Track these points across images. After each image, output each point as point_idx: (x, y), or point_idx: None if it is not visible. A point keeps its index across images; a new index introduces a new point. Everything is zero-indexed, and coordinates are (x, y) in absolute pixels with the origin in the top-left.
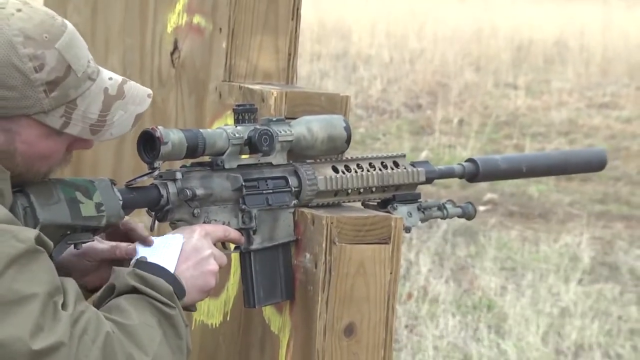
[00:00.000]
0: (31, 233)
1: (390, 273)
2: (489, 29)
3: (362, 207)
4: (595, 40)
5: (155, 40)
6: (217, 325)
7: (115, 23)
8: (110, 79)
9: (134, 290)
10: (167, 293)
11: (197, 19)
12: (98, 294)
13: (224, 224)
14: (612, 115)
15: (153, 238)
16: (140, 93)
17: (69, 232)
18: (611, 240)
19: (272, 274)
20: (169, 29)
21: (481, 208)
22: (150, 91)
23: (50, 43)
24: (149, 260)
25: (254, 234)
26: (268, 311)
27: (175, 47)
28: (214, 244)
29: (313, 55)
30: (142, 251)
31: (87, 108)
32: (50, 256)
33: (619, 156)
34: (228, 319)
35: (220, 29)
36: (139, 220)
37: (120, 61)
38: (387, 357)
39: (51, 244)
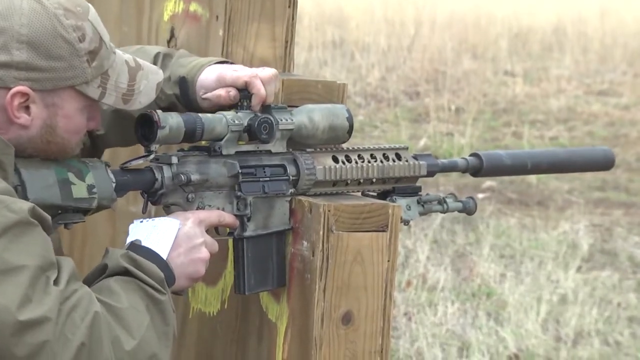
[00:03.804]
0: (25, 205)
1: (388, 261)
2: (487, 16)
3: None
4: (593, 27)
5: (151, 28)
6: (215, 313)
7: (112, 12)
8: (124, 53)
9: (125, 272)
10: (158, 279)
11: (193, 7)
12: (89, 272)
13: (218, 209)
14: (610, 103)
15: (147, 220)
16: (152, 65)
17: (59, 212)
18: (610, 228)
19: (264, 261)
20: (166, 17)
21: (480, 196)
22: (157, 66)
23: (84, 15)
24: (142, 243)
25: (248, 221)
26: (265, 299)
27: (172, 35)
28: (207, 230)
29: (311, 43)
30: (136, 233)
31: (118, 78)
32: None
33: (617, 143)
34: (225, 307)
35: (217, 16)
36: (134, 204)
37: None
38: (385, 345)
39: (48, 218)
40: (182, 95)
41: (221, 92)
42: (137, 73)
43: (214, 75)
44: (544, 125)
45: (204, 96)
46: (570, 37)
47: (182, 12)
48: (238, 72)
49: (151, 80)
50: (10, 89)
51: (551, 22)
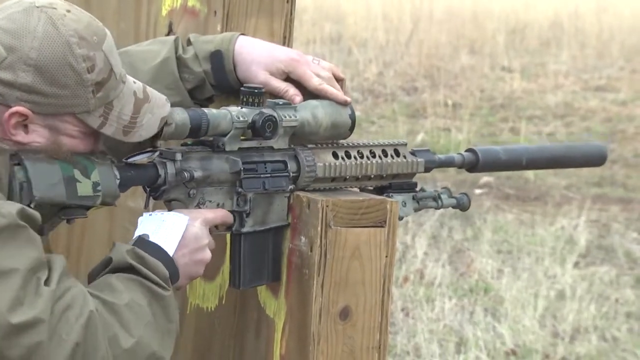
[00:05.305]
0: (13, 208)
1: (386, 256)
2: (484, 11)
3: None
4: (590, 22)
5: (149, 23)
6: (213, 309)
7: (110, 8)
8: (135, 82)
9: (130, 268)
10: (163, 276)
11: (191, 2)
12: (95, 266)
13: (218, 205)
14: (608, 98)
15: (156, 213)
16: (160, 97)
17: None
18: (607, 223)
19: (260, 257)
20: (164, 12)
21: (477, 191)
22: (165, 97)
23: (99, 45)
24: (150, 238)
25: (246, 216)
26: (263, 294)
27: (170, 31)
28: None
29: (309, 38)
30: (144, 226)
31: (122, 109)
32: (42, 229)
33: (615, 139)
34: (223, 302)
35: (215, 11)
36: (133, 199)
37: None
38: (383, 340)
39: (38, 217)
40: (216, 70)
41: (290, 90)
42: (142, 105)
43: (268, 49)
44: (541, 120)
45: (264, 76)
46: (568, 33)
47: (180, 7)
48: (320, 75)
49: (156, 114)
50: (10, 107)
51: (548, 18)
